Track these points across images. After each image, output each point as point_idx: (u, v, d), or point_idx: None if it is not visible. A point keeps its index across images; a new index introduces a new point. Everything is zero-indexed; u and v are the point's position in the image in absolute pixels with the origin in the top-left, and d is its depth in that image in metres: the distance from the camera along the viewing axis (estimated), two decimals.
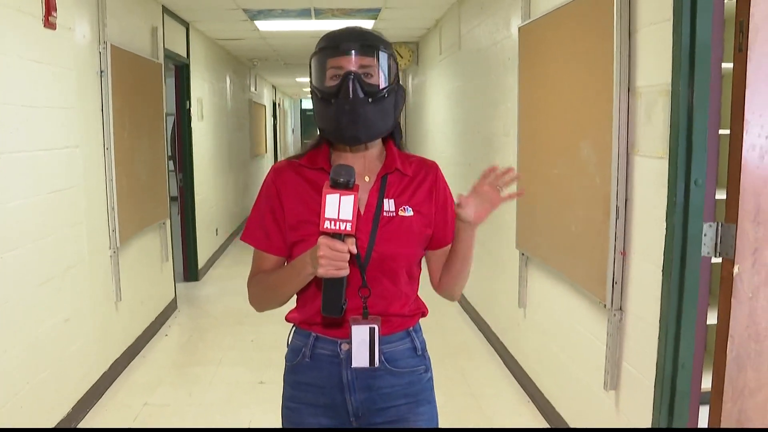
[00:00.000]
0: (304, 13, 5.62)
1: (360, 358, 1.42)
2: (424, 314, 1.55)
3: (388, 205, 1.45)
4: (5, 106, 2.58)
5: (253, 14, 5.64)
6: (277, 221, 1.46)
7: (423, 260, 1.55)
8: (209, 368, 3.96)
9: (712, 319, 2.04)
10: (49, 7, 2.92)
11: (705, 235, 1.97)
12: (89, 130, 3.45)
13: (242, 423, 3.20)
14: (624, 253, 2.35)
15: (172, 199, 5.27)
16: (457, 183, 3.80)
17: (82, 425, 3.16)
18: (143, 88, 4.32)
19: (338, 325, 1.44)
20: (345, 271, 1.28)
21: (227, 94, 8.13)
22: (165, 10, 5.10)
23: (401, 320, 1.49)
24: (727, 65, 1.90)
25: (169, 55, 5.20)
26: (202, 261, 6.36)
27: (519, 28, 3.36)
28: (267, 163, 13.08)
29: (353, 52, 1.38)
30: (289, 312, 1.52)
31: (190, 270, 6.13)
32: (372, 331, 1.41)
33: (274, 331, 4.16)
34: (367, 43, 1.39)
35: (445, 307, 4.86)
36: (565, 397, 3.02)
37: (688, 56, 1.91)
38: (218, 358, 4.14)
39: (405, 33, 6.90)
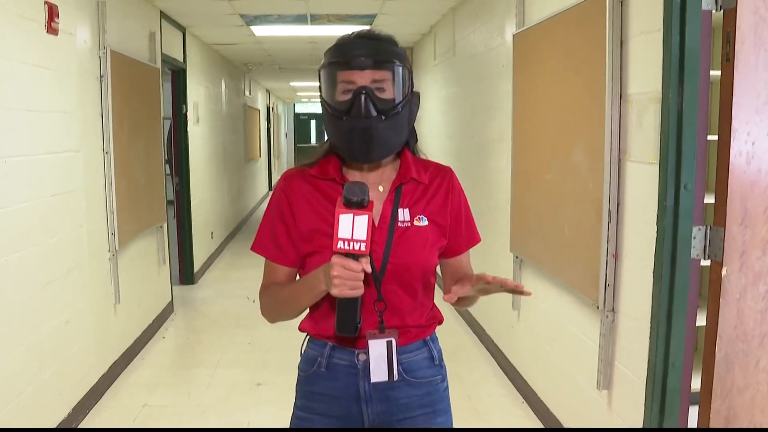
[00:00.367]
0: (300, 19, 5.68)
1: (378, 373, 1.39)
2: (440, 322, 1.52)
3: (403, 215, 1.41)
4: (9, 111, 2.62)
5: (249, 19, 5.70)
6: (289, 231, 1.42)
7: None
8: (207, 370, 3.99)
9: (701, 319, 2.10)
10: (52, 13, 2.96)
11: (694, 238, 2.03)
12: (89, 134, 3.49)
13: (240, 424, 3.24)
14: (616, 256, 2.42)
15: (169, 202, 5.31)
16: None
17: (82, 426, 3.19)
18: (141, 93, 4.36)
19: (355, 337, 1.39)
20: (359, 291, 1.25)
21: (222, 98, 8.17)
22: (163, 15, 5.14)
23: (418, 330, 1.46)
24: (716, 73, 1.97)
25: (166, 60, 5.25)
26: (198, 264, 6.39)
27: (513, 36, 3.42)
28: (261, 168, 13.12)
29: (365, 67, 1.31)
30: (303, 321, 1.49)
31: (186, 273, 6.16)
32: (389, 344, 1.38)
33: (270, 334, 4.20)
34: (381, 57, 1.33)
35: (441, 309, 4.88)
36: (559, 397, 3.08)
37: (678, 65, 1.98)
38: (215, 360, 4.18)
39: (400, 39, 6.76)
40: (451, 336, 4.49)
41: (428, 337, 1.49)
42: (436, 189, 1.46)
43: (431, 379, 1.48)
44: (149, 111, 4.55)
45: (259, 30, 6.20)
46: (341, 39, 1.39)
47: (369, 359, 1.39)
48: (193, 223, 6.21)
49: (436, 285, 1.52)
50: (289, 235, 1.42)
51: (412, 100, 1.39)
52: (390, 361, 1.39)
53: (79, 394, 3.26)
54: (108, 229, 3.71)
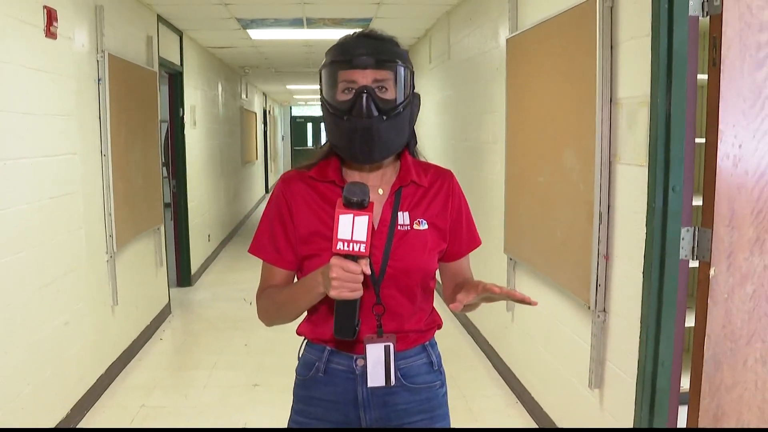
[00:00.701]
0: (297, 23, 5.72)
1: (376, 377, 1.37)
2: (439, 326, 1.51)
3: (403, 218, 1.39)
4: (8, 114, 2.65)
5: (246, 23, 5.73)
6: (287, 233, 1.41)
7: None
8: (204, 372, 4.02)
9: (690, 320, 2.14)
10: (51, 18, 2.99)
11: (683, 239, 2.07)
12: (87, 137, 3.52)
13: (237, 425, 3.27)
14: (607, 257, 2.46)
15: (166, 205, 5.34)
16: None
17: (80, 426, 3.22)
18: (139, 96, 4.39)
19: (353, 342, 1.38)
20: (359, 293, 1.23)
21: (219, 101, 8.21)
22: (160, 19, 5.18)
23: (417, 335, 1.45)
24: (703, 77, 2.01)
25: (163, 63, 5.28)
26: (195, 266, 6.42)
27: (507, 40, 3.47)
28: (258, 170, 13.14)
29: (367, 66, 1.30)
30: (300, 325, 1.48)
31: (183, 275, 6.19)
32: (387, 349, 1.37)
33: (266, 336, 4.24)
34: (383, 57, 1.31)
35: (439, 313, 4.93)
36: (552, 396, 3.12)
37: (665, 69, 2.02)
38: (212, 361, 4.21)
39: None
40: (447, 337, 4.53)
41: (427, 343, 1.48)
42: (437, 192, 1.44)
43: (430, 384, 1.47)
44: (146, 114, 4.58)
45: (256, 33, 6.24)
46: (343, 38, 1.38)
47: (366, 364, 1.38)
48: (190, 226, 6.23)
49: (435, 290, 1.52)
50: (287, 238, 1.41)
51: (413, 101, 1.38)
52: (387, 365, 1.37)
53: (78, 395, 3.29)
54: (106, 231, 3.74)
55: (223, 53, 7.75)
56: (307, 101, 18.41)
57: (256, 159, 12.29)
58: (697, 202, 2.07)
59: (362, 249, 1.21)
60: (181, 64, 6.00)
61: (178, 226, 6.13)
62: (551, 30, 2.86)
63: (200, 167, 6.87)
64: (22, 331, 2.73)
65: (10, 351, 2.62)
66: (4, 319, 2.59)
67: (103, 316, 3.71)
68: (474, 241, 1.51)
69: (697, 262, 2.06)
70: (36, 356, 2.85)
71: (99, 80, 3.66)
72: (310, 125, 20.82)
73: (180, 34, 5.98)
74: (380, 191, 1.41)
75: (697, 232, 2.06)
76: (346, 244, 1.20)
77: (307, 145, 20.63)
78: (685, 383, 2.16)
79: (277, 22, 5.74)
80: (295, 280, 1.46)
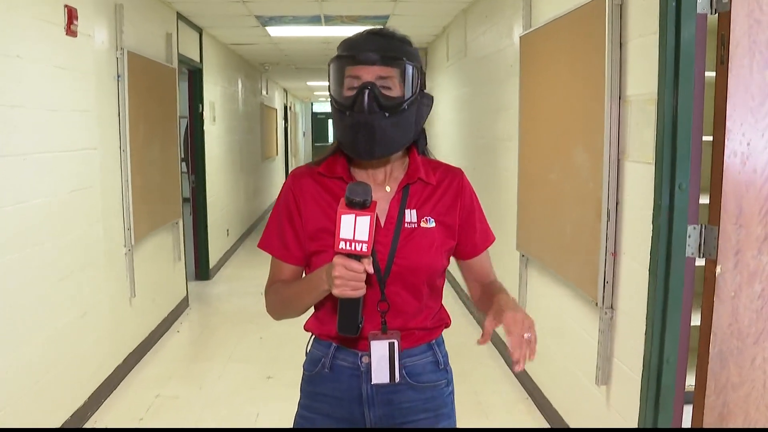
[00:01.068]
0: (314, 20, 5.76)
1: (380, 374, 1.37)
2: (447, 325, 1.51)
3: (410, 216, 1.39)
4: (29, 110, 2.73)
5: (264, 20, 5.79)
6: (295, 229, 1.42)
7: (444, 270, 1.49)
8: (219, 363, 4.09)
9: (697, 318, 2.13)
10: (71, 16, 3.07)
11: (689, 236, 2.06)
12: (106, 133, 3.60)
13: (249, 416, 3.33)
14: (615, 254, 2.46)
15: (185, 200, 5.42)
16: None
17: (97, 414, 3.30)
18: (158, 92, 4.47)
19: (359, 338, 1.39)
20: (361, 292, 1.24)
21: (239, 97, 8.29)
22: (179, 16, 5.26)
23: (423, 333, 1.45)
24: (711, 75, 2.01)
25: (182, 60, 5.36)
26: (213, 260, 6.51)
27: (520, 37, 3.47)
28: (278, 166, 13.23)
29: (372, 62, 1.30)
30: (308, 321, 1.49)
31: (201, 269, 6.28)
32: (392, 346, 1.36)
33: (282, 330, 4.27)
34: (389, 53, 1.32)
35: (450, 307, 4.93)
36: (560, 392, 3.13)
37: (673, 67, 2.01)
38: (227, 354, 4.27)
39: (414, 39, 6.87)
40: (460, 334, 4.51)
41: (433, 341, 1.48)
42: (445, 190, 1.44)
43: (435, 383, 1.47)
44: (165, 110, 4.65)
45: (274, 31, 6.30)
46: (353, 35, 1.39)
47: (371, 361, 1.38)
48: (209, 221, 6.32)
49: (449, 287, 1.53)
50: (295, 234, 1.42)
51: (422, 100, 1.37)
52: (392, 362, 1.37)
53: (95, 383, 3.37)
54: (124, 225, 3.82)
55: (242, 50, 7.82)
56: (328, 98, 18.37)
57: (276, 155, 12.38)
58: (706, 200, 2.07)
59: (364, 249, 1.21)
60: (201, 60, 6.08)
61: (197, 220, 6.22)
62: (562, 28, 2.86)
63: (219, 163, 6.96)
64: (41, 322, 2.81)
65: (29, 340, 2.70)
66: (24, 310, 2.67)
67: (120, 308, 3.79)
68: (488, 238, 1.51)
69: (704, 259, 2.05)
70: (54, 346, 2.93)
71: (118, 77, 3.73)
72: (330, 122, 20.89)
73: (200, 31, 6.05)
74: (387, 188, 1.41)
75: (703, 230, 2.05)
76: (348, 243, 1.21)
77: (327, 141, 20.73)
78: (691, 381, 2.15)
79: (295, 20, 5.79)
80: (304, 274, 1.48)
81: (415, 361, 1.45)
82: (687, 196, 2.08)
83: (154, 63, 4.37)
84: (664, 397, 2.17)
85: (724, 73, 1.96)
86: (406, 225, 1.39)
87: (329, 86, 1.38)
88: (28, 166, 2.71)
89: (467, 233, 1.46)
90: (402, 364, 1.41)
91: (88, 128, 3.34)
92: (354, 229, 1.21)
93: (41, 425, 2.79)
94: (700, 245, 2.07)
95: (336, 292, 1.23)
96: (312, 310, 1.47)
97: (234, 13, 5.44)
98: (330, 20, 5.78)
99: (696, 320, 2.16)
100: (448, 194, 1.44)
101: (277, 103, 12.99)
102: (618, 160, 2.42)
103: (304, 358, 1.53)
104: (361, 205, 1.21)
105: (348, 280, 1.22)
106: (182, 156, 5.56)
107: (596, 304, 2.54)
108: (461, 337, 4.62)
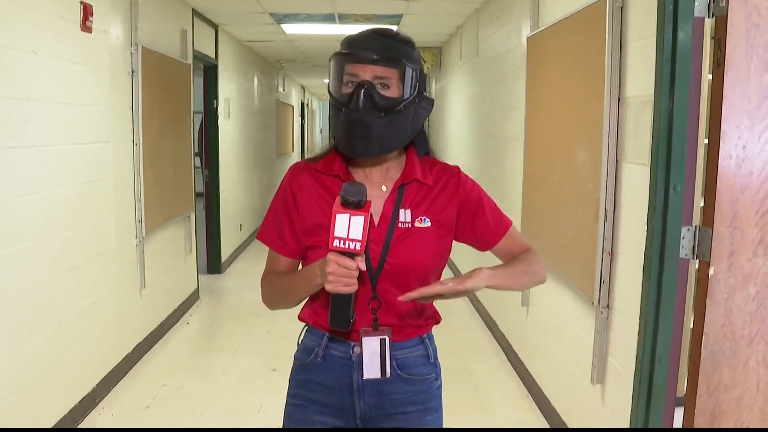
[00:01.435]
0: (328, 18, 5.82)
1: (372, 369, 1.41)
2: (437, 322, 1.53)
3: (404, 215, 1.41)
4: (44, 103, 2.81)
5: (279, 18, 5.85)
6: (292, 223, 1.45)
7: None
8: (225, 356, 4.16)
9: (692, 320, 2.15)
10: (86, 13, 3.15)
11: (683, 238, 2.08)
12: (119, 127, 3.68)
13: (253, 407, 3.39)
14: (611, 254, 2.48)
15: (198, 194, 5.49)
16: None
17: (105, 402, 3.38)
18: (172, 88, 4.54)
19: (351, 330, 1.41)
20: (353, 288, 1.27)
21: (254, 94, 8.37)
22: (195, 13, 5.33)
23: (415, 328, 1.48)
24: (710, 77, 2.02)
25: (198, 56, 5.43)
26: (225, 254, 6.59)
27: (528, 38, 3.49)
28: (293, 162, 13.30)
29: (370, 61, 1.32)
30: (302, 310, 1.52)
31: (213, 263, 6.36)
32: (383, 342, 1.40)
33: (289, 325, 4.31)
34: (387, 53, 1.33)
35: (458, 305, 5.00)
36: (559, 390, 3.15)
37: (669, 69, 2.03)
38: (234, 347, 4.35)
39: (428, 38, 7.05)
40: (466, 330, 4.58)
41: (425, 335, 1.50)
42: (441, 189, 1.46)
43: (425, 376, 1.50)
44: (179, 105, 4.73)
45: (289, 28, 6.36)
46: (357, 33, 1.40)
47: (363, 356, 1.41)
48: (221, 215, 6.40)
49: None
50: (292, 228, 1.45)
51: (420, 103, 1.38)
52: (383, 358, 1.41)
53: (104, 372, 3.45)
54: (135, 217, 3.90)
55: (258, 47, 7.90)
56: None
57: (292, 151, 12.47)
58: (700, 202, 2.09)
59: (357, 247, 1.24)
60: (216, 57, 6.15)
61: (210, 215, 6.30)
62: (566, 29, 2.88)
63: (233, 158, 7.03)
64: (52, 310, 2.89)
65: (40, 327, 2.79)
66: (36, 298, 2.75)
67: (130, 299, 3.87)
68: (504, 224, 1.51)
69: (698, 261, 2.07)
70: (64, 334, 3.01)
71: (132, 72, 3.81)
72: None
73: (215, 28, 6.13)
74: (383, 188, 1.44)
75: (697, 232, 2.07)
76: (342, 242, 1.24)
77: None
78: (684, 382, 2.17)
79: (310, 18, 5.84)
80: (300, 267, 1.51)
81: (407, 354, 1.48)
82: (681, 197, 2.09)
83: (169, 59, 4.45)
84: (656, 396, 2.19)
85: (720, 76, 1.97)
86: (399, 224, 1.41)
87: (329, 82, 1.40)
88: (42, 157, 2.79)
89: (480, 224, 1.47)
90: (393, 356, 1.44)
91: (101, 122, 3.42)
92: (348, 228, 1.24)
93: (51, 410, 2.88)
94: (693, 247, 2.09)
95: (328, 287, 1.26)
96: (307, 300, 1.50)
97: (248, 10, 5.51)
98: (344, 18, 5.83)
99: (691, 321, 2.18)
100: (445, 193, 1.46)
101: (294, 100, 13.07)
102: (616, 161, 2.44)
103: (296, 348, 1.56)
104: (356, 205, 1.24)
105: (340, 276, 1.25)
106: (196, 151, 5.63)
107: (593, 303, 2.57)
108: (468, 333, 4.68)
